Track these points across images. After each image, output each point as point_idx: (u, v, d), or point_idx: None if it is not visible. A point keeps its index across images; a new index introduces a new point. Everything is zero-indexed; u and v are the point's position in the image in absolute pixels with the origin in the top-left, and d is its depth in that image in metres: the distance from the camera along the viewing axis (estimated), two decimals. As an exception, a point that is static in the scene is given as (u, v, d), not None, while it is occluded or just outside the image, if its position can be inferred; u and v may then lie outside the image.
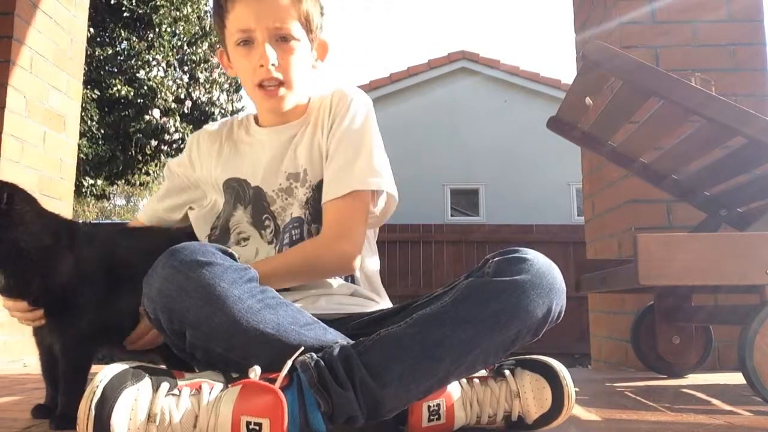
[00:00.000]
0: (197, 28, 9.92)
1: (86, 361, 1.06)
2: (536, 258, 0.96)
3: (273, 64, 1.12)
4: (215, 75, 10.03)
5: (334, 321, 1.07)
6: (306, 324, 0.94)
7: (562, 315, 0.98)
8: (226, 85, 10.26)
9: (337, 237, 1.10)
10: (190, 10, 9.64)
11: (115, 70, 9.28)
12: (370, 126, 1.18)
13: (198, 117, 9.81)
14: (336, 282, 1.16)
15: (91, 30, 8.40)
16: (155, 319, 0.92)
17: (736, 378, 1.60)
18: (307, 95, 1.24)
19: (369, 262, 1.23)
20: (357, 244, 1.11)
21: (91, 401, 0.77)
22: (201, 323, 0.89)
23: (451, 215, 9.52)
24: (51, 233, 1.04)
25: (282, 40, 1.14)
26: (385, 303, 1.21)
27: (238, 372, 0.89)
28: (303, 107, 1.23)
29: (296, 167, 1.19)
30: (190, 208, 1.30)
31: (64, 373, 1.04)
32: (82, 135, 8.34)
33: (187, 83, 9.86)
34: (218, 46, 1.28)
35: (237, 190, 1.22)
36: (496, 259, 0.97)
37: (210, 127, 1.33)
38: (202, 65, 9.87)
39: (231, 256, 0.96)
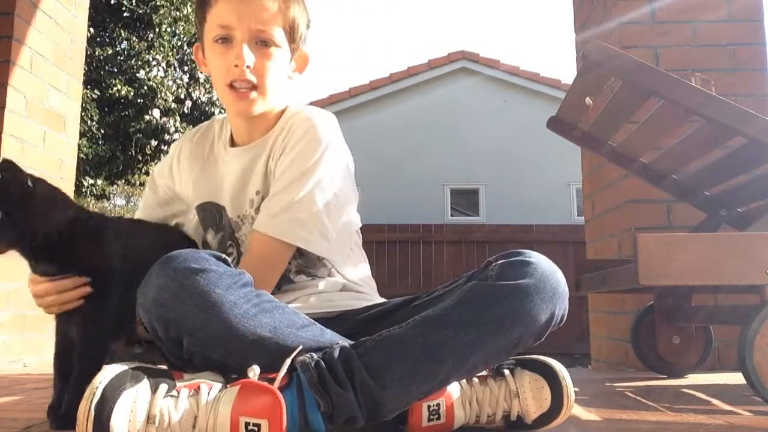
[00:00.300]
0: (197, 27, 9.90)
1: (102, 353, 1.04)
2: (540, 261, 0.95)
3: (248, 66, 1.08)
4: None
5: (331, 320, 1.07)
6: (303, 326, 0.94)
7: (565, 319, 0.97)
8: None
9: (256, 269, 1.06)
10: (190, 10, 9.62)
11: (115, 70, 9.28)
12: (320, 162, 1.09)
13: (198, 117, 9.79)
14: (323, 282, 1.15)
15: (91, 30, 8.40)
16: (151, 329, 0.92)
17: (736, 378, 1.60)
18: (281, 105, 1.19)
19: (356, 271, 1.21)
20: (269, 283, 1.09)
21: (91, 402, 0.77)
22: (197, 330, 0.88)
23: (451, 215, 9.51)
24: (79, 215, 1.04)
25: (262, 44, 1.10)
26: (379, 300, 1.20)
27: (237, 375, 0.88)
28: (273, 119, 1.18)
29: (252, 192, 1.16)
30: (176, 223, 1.29)
31: (79, 363, 1.02)
32: (82, 135, 8.34)
33: (187, 83, 9.86)
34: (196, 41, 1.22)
35: (213, 214, 1.21)
36: (500, 261, 0.96)
37: (193, 135, 1.29)
38: (202, 65, 9.87)
39: (225, 261, 0.95)
